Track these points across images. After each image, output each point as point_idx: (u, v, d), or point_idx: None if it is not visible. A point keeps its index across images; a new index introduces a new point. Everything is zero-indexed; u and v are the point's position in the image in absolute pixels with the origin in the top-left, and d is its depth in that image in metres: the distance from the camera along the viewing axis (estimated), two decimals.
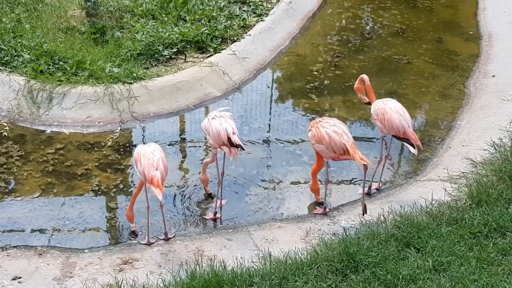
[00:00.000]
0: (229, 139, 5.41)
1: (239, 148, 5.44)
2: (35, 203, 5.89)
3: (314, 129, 5.51)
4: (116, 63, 7.55)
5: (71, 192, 6.04)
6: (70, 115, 7.01)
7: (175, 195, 6.06)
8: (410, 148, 5.71)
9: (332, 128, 5.43)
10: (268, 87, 8.10)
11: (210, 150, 5.98)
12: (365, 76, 6.00)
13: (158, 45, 7.97)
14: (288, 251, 5.04)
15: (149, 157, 5.15)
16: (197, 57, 8.08)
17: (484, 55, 8.60)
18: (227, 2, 9.18)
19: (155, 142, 5.55)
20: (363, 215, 5.53)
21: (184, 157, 6.72)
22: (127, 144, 6.74)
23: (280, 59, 8.55)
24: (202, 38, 8.23)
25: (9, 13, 8.33)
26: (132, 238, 5.51)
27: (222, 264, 4.92)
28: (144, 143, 6.31)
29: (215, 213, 5.79)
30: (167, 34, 8.12)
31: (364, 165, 5.38)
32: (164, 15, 8.59)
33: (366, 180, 5.76)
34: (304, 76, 8.11)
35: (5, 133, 6.78)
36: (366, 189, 5.97)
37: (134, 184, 6.14)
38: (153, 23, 8.38)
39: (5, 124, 6.90)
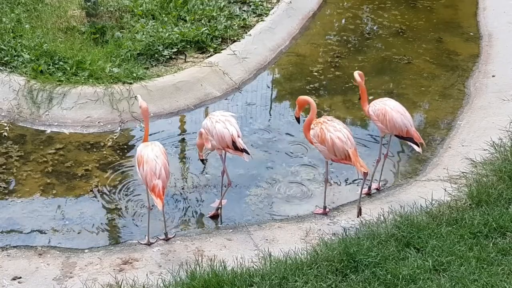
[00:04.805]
0: (233, 142, 5.42)
1: (244, 152, 5.45)
2: (35, 203, 5.89)
3: (318, 129, 5.49)
4: (116, 63, 7.55)
5: (71, 192, 6.04)
6: (70, 115, 7.01)
7: (175, 195, 6.06)
8: (414, 147, 5.72)
9: (337, 134, 5.40)
10: (268, 87, 8.10)
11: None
12: (356, 76, 5.81)
13: (158, 45, 7.97)
14: (288, 251, 5.04)
15: (151, 164, 5.14)
16: (197, 57, 8.09)
17: (484, 55, 8.61)
18: (227, 2, 9.18)
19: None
20: (357, 217, 5.54)
21: (184, 157, 6.72)
22: (127, 144, 6.74)
23: (280, 59, 8.55)
24: (202, 38, 8.23)
25: (9, 13, 8.33)
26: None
27: (222, 264, 4.92)
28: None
29: (217, 209, 5.80)
30: (167, 34, 8.12)
31: (364, 172, 5.38)
32: (164, 15, 8.59)
33: (366, 180, 5.76)
34: (304, 77, 8.11)
35: (5, 133, 6.78)
36: (366, 189, 5.97)
37: (134, 184, 6.14)
38: (153, 23, 8.39)
39: (5, 124, 6.90)
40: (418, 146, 5.72)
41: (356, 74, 5.84)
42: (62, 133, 6.84)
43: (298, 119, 5.84)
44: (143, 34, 8.07)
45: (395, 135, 5.77)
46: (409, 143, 5.79)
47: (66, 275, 5.02)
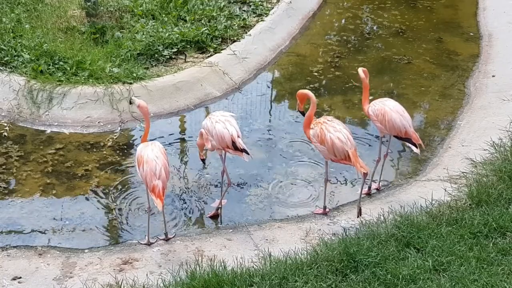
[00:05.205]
0: (233, 143, 5.43)
1: (244, 152, 5.46)
2: (35, 203, 5.89)
3: (318, 129, 5.48)
4: (116, 63, 7.55)
5: (71, 192, 6.04)
6: (70, 115, 7.01)
7: (175, 195, 6.06)
8: (413, 147, 5.72)
9: (337, 135, 5.40)
10: (268, 87, 8.10)
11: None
12: (360, 72, 5.88)
13: (158, 45, 7.97)
14: (288, 251, 5.04)
15: (151, 165, 5.13)
16: (197, 57, 8.09)
17: (484, 55, 8.61)
18: (227, 2, 9.18)
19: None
20: (357, 217, 5.54)
21: (184, 157, 6.72)
22: (127, 144, 6.74)
23: (280, 59, 8.55)
24: (202, 38, 8.23)
25: (9, 13, 8.33)
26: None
27: (222, 264, 4.92)
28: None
29: (217, 209, 5.81)
30: (167, 34, 8.12)
31: (364, 173, 5.38)
32: (164, 15, 8.59)
33: (366, 180, 5.76)
34: (304, 77, 8.11)
35: (5, 133, 6.78)
36: (366, 189, 5.97)
37: (134, 184, 6.14)
38: (153, 23, 8.39)
39: (5, 124, 6.90)
40: (417, 147, 5.72)
41: (361, 70, 5.85)
42: (62, 133, 6.84)
43: (302, 113, 5.83)
44: (143, 34, 8.07)
45: (394, 136, 5.77)
46: (408, 143, 5.79)
47: (66, 275, 5.02)
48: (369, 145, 6.81)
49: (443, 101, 7.67)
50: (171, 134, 6.99)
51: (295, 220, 5.71)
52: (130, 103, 5.66)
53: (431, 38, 9.08)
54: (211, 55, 8.08)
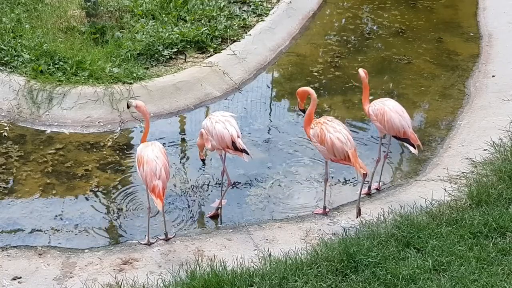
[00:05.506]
0: (233, 143, 5.43)
1: (244, 152, 5.46)
2: (35, 203, 5.89)
3: (318, 129, 5.49)
4: (116, 63, 7.55)
5: (71, 192, 6.04)
6: (70, 115, 7.01)
7: (175, 195, 6.06)
8: (411, 148, 5.73)
9: (337, 135, 5.40)
10: (268, 87, 8.10)
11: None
12: (361, 72, 5.89)
13: (158, 45, 7.97)
14: (288, 251, 5.04)
15: (151, 165, 5.14)
16: (197, 57, 8.09)
17: (484, 55, 8.61)
18: (227, 2, 9.18)
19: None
20: (357, 217, 5.54)
21: (184, 157, 6.72)
22: (127, 144, 6.74)
23: (280, 59, 8.55)
24: (202, 38, 8.23)
25: (9, 13, 8.33)
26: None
27: (222, 264, 4.92)
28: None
29: (217, 209, 5.81)
30: (167, 34, 8.12)
31: (363, 173, 5.39)
32: (164, 15, 8.59)
33: (366, 180, 5.76)
34: (304, 77, 8.11)
35: (5, 133, 6.78)
36: (366, 189, 5.98)
37: (134, 184, 6.14)
38: (153, 23, 8.39)
39: (5, 124, 6.90)
40: (415, 148, 5.72)
41: (361, 70, 5.86)
42: (62, 133, 6.84)
43: (303, 111, 5.83)
44: (143, 34, 8.07)
45: (393, 136, 5.77)
46: (406, 144, 5.79)
47: (66, 275, 5.02)
48: (370, 145, 6.81)
49: (443, 101, 7.67)
50: (171, 134, 6.98)
51: (295, 220, 5.71)
52: (128, 107, 5.65)
53: (431, 38, 9.09)
54: (211, 55, 8.08)
